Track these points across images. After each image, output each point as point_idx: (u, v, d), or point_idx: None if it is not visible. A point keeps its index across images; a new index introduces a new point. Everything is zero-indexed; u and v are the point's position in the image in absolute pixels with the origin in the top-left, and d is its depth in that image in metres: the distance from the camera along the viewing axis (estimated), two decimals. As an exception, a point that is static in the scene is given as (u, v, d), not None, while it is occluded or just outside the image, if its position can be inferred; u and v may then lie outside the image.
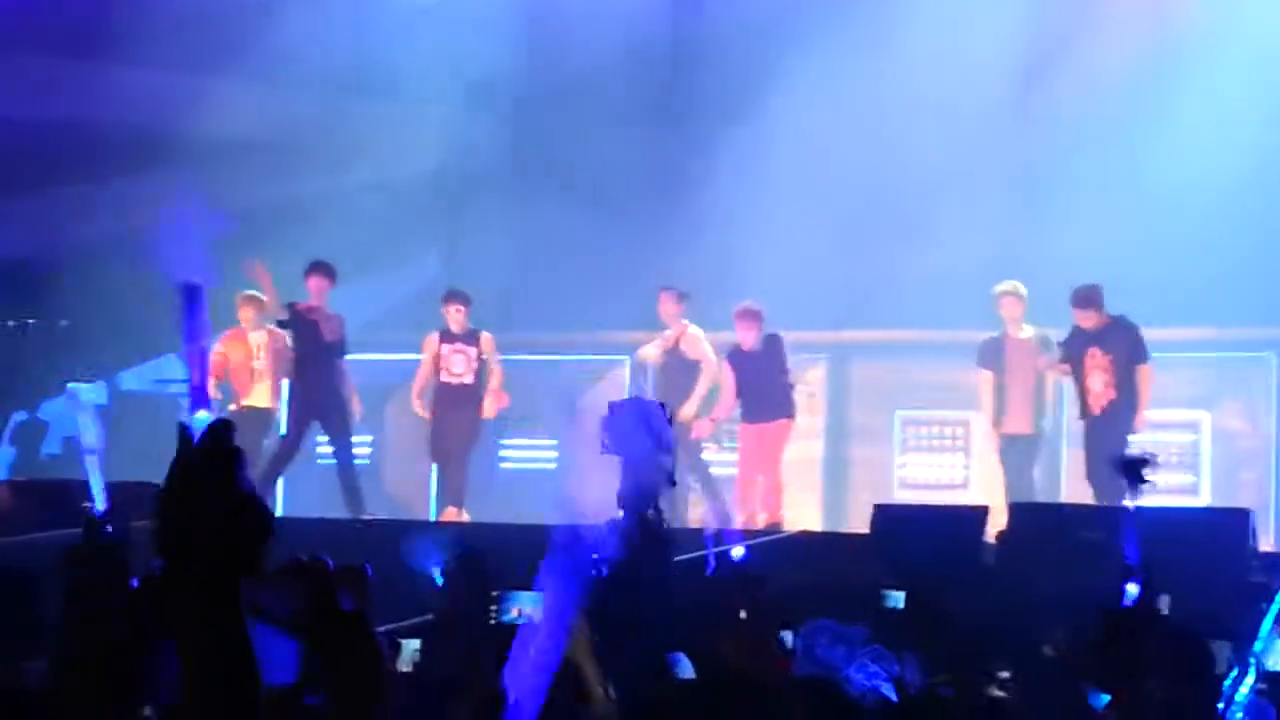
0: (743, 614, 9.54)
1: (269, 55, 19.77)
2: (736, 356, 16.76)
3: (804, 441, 17.95)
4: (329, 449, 17.00)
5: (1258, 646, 7.89)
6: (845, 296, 18.34)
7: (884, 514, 13.23)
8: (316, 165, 20.32)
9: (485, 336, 17.20)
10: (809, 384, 17.44)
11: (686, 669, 7.69)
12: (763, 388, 16.64)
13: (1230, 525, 12.77)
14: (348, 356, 16.82)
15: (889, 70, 18.96)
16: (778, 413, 16.66)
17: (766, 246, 18.46)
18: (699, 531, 12.84)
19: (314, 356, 16.50)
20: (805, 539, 13.71)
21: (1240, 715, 7.65)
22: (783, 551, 13.04)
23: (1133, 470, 9.11)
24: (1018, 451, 16.47)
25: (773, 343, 16.69)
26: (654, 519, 11.43)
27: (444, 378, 17.06)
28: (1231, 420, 17.91)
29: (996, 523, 13.37)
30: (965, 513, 13.37)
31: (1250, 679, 7.71)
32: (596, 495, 15.57)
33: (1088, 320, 15.69)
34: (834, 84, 18.95)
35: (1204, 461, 17.79)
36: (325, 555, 6.85)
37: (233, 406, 17.19)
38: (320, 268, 16.68)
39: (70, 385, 15.45)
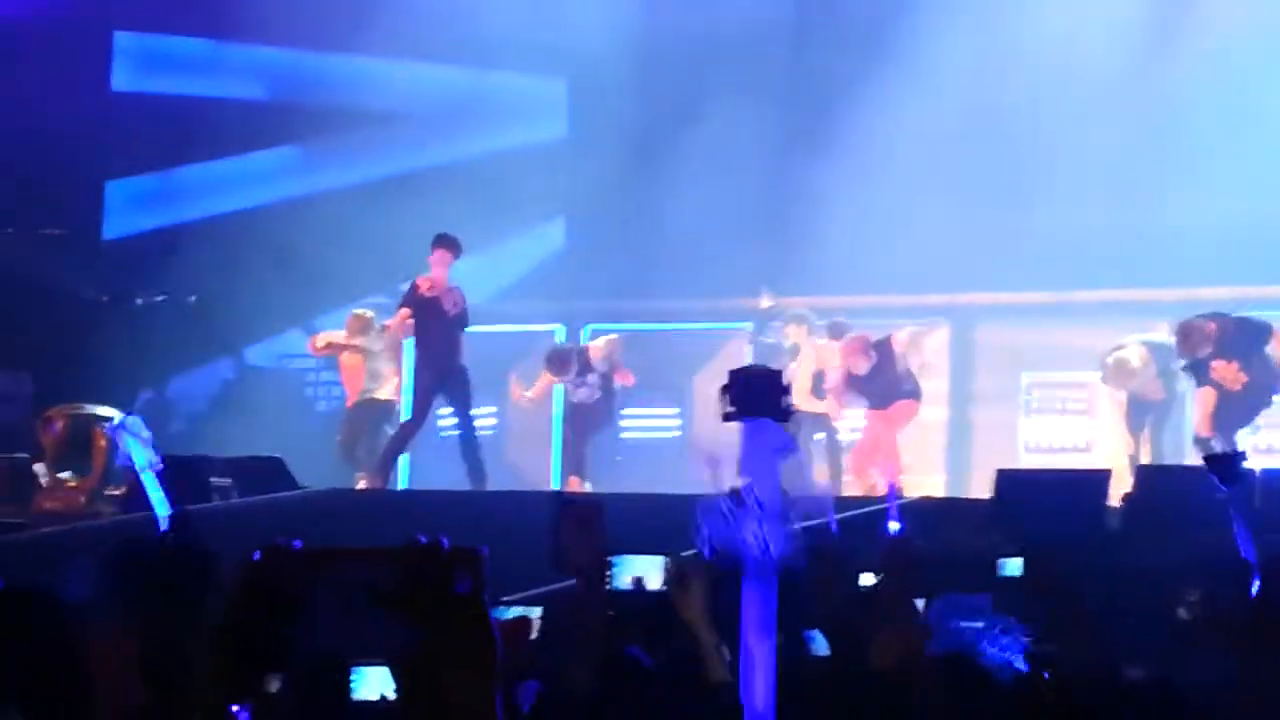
0: (871, 579, 9.49)
1: (393, 30, 19.89)
2: (854, 381, 17.23)
3: (927, 407, 17.87)
4: (451, 421, 17.09)
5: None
6: (967, 259, 18.20)
7: (1006, 479, 13.11)
8: (440, 137, 20.43)
9: (593, 349, 17.38)
10: (922, 353, 17.53)
11: (821, 646, 7.65)
12: (886, 393, 17.15)
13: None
14: (470, 329, 16.87)
15: (1014, 29, 18.80)
16: (901, 396, 17.14)
17: (888, 211, 18.38)
18: (817, 500, 12.81)
19: (435, 331, 16.53)
20: (926, 505, 13.60)
21: None
22: (904, 518, 12.96)
23: (1223, 468, 8.97)
24: (1146, 414, 16.46)
25: (883, 349, 17.08)
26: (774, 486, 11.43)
27: (576, 402, 17.43)
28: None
29: (1121, 486, 13.23)
30: (1089, 476, 13.23)
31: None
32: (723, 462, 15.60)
33: (1204, 348, 15.73)
34: (958, 44, 18.81)
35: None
36: (442, 536, 6.87)
37: (348, 402, 17.68)
38: (444, 241, 16.66)
39: (122, 417, 15.65)
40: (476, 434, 16.90)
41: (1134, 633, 9.75)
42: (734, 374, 12.69)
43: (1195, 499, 12.45)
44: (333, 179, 20.33)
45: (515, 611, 8.12)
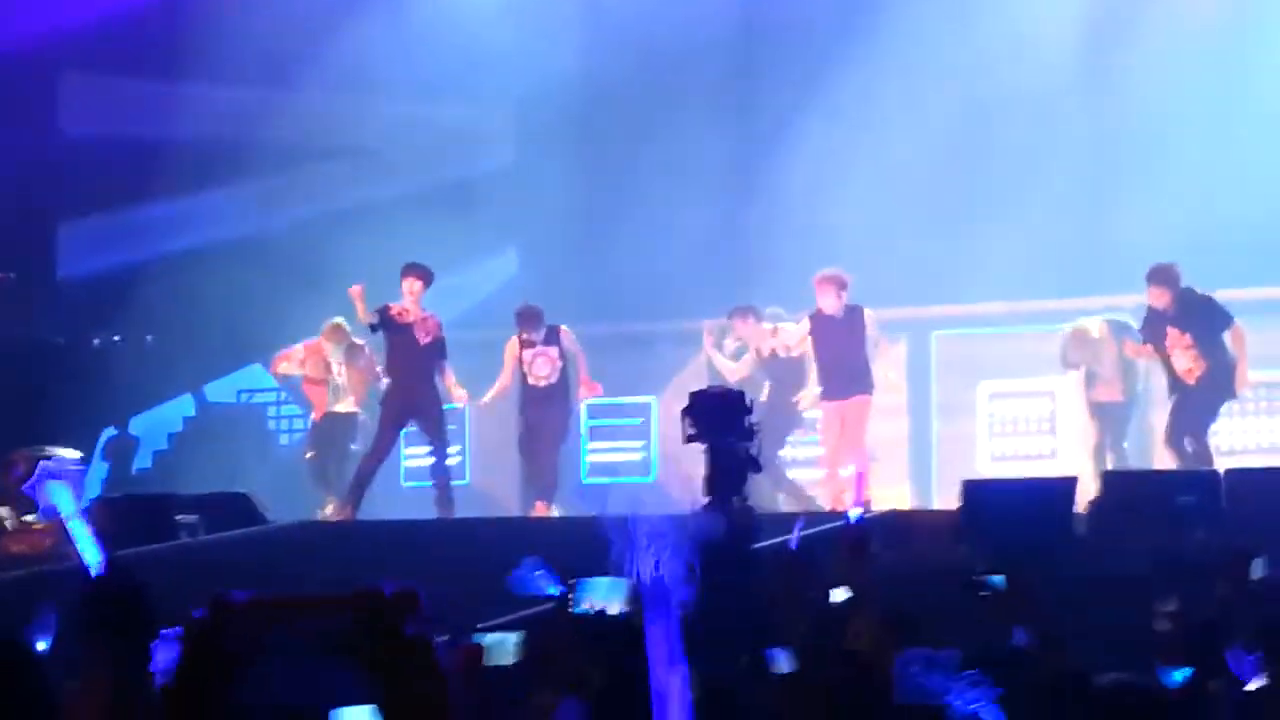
0: (843, 594, 9.51)
1: (340, 64, 19.92)
2: (818, 321, 16.62)
3: (889, 420, 17.92)
4: (423, 451, 17.09)
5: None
6: (923, 271, 18.26)
7: (973, 489, 13.17)
8: (391, 169, 20.43)
9: (564, 330, 17.18)
10: (887, 365, 17.18)
11: (785, 663, 7.67)
12: (842, 358, 16.48)
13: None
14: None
15: (967, 42, 18.90)
16: (855, 387, 16.47)
17: (844, 226, 18.44)
18: (790, 516, 12.85)
19: (407, 359, 16.55)
20: (894, 518, 13.66)
21: None
22: (872, 531, 13.01)
23: None
24: (1109, 418, 16.49)
25: (854, 314, 16.56)
26: (740, 506, 11.45)
27: (530, 381, 17.04)
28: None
29: (1086, 492, 13.30)
30: (1055, 484, 13.29)
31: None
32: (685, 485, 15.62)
33: (1161, 299, 15.55)
34: (912, 57, 18.90)
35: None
36: (384, 579, 6.81)
37: (314, 417, 17.45)
38: (414, 269, 16.71)
39: (51, 453, 15.60)
40: (447, 462, 16.90)
41: (1104, 638, 9.80)
42: (694, 395, 12.76)
43: (1160, 504, 12.56)
44: (286, 215, 20.32)
45: (491, 638, 8.14)
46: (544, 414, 16.99)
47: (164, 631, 6.46)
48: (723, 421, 12.14)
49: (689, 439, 12.37)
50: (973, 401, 18.72)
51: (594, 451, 19.69)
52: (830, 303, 16.50)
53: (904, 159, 18.63)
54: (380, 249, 18.37)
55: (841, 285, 16.50)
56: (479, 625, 8.73)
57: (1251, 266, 16.52)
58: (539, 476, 17.11)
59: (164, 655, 6.39)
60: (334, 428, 17.92)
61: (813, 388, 16.88)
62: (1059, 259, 17.91)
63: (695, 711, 6.84)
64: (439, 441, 16.66)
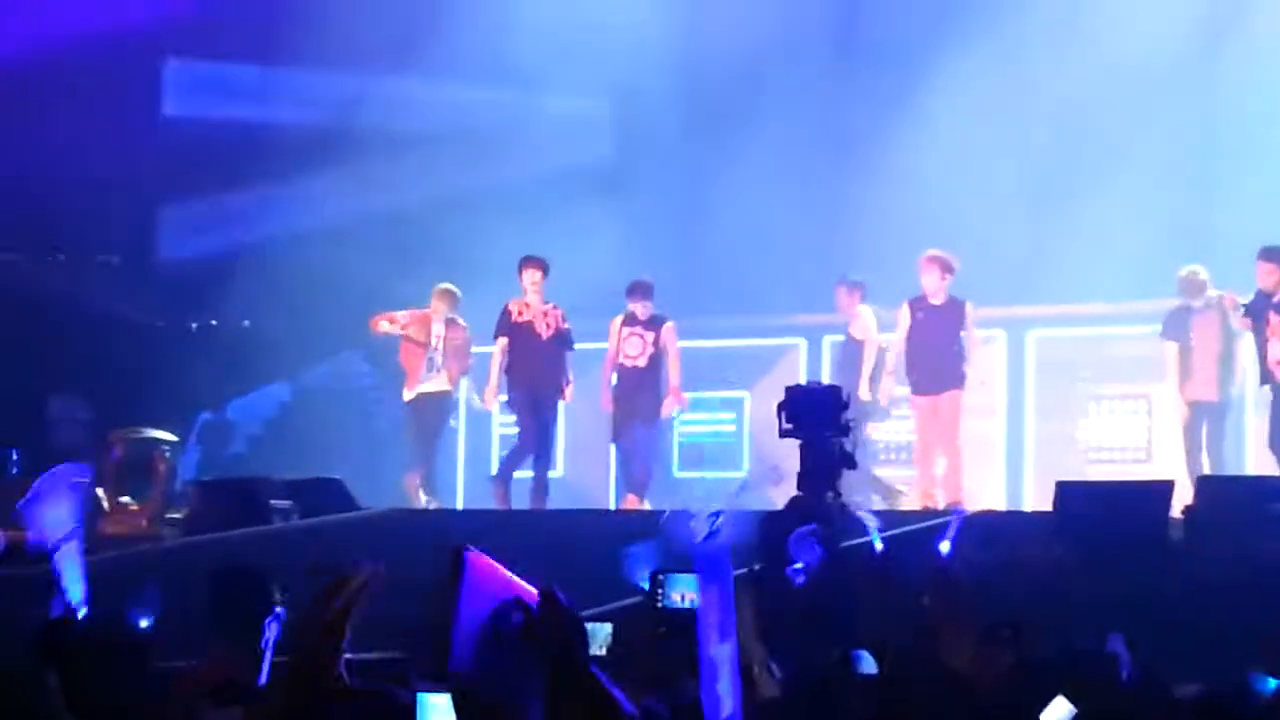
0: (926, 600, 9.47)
1: (442, 52, 19.95)
2: (917, 304, 16.14)
3: (983, 419, 17.82)
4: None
5: None
6: (1022, 270, 18.14)
7: (1067, 491, 13.07)
8: (490, 158, 20.47)
9: (668, 325, 17.12)
10: (979, 368, 16.74)
11: (869, 665, 7.63)
12: (936, 347, 16.00)
13: None
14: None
15: (1067, 37, 18.79)
16: (948, 383, 15.98)
17: (942, 223, 18.34)
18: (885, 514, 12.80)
19: (529, 354, 16.66)
20: (987, 518, 13.57)
21: None
22: (964, 532, 12.93)
23: None
24: (1203, 419, 16.13)
25: (955, 304, 16.14)
26: (833, 502, 11.45)
27: (621, 359, 17.04)
28: None
29: (1182, 497, 13.16)
30: (1150, 488, 13.15)
31: None
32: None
33: (1270, 278, 15.21)
34: (1011, 54, 18.79)
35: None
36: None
37: (407, 393, 17.30)
38: (533, 260, 16.81)
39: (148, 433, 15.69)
40: (551, 455, 16.95)
41: (1196, 645, 9.71)
42: (791, 390, 12.72)
43: (1256, 510, 12.42)
44: (386, 201, 20.40)
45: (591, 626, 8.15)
46: (633, 399, 16.93)
47: (277, 611, 6.55)
48: (818, 416, 12.14)
49: (784, 433, 12.37)
50: (1069, 402, 18.57)
51: (684, 446, 19.66)
52: (934, 283, 16.02)
53: (1003, 153, 18.52)
54: (479, 236, 18.44)
55: (947, 268, 16.02)
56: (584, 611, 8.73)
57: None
58: (630, 468, 17.09)
59: (270, 634, 6.50)
60: (426, 406, 17.52)
61: (863, 381, 16.60)
62: (1159, 258, 17.75)
63: (780, 702, 6.85)
64: (548, 434, 16.74)
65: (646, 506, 16.55)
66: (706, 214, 19.87)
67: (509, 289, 17.04)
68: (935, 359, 16.00)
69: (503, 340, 16.75)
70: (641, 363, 16.93)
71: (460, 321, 17.55)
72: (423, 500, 16.86)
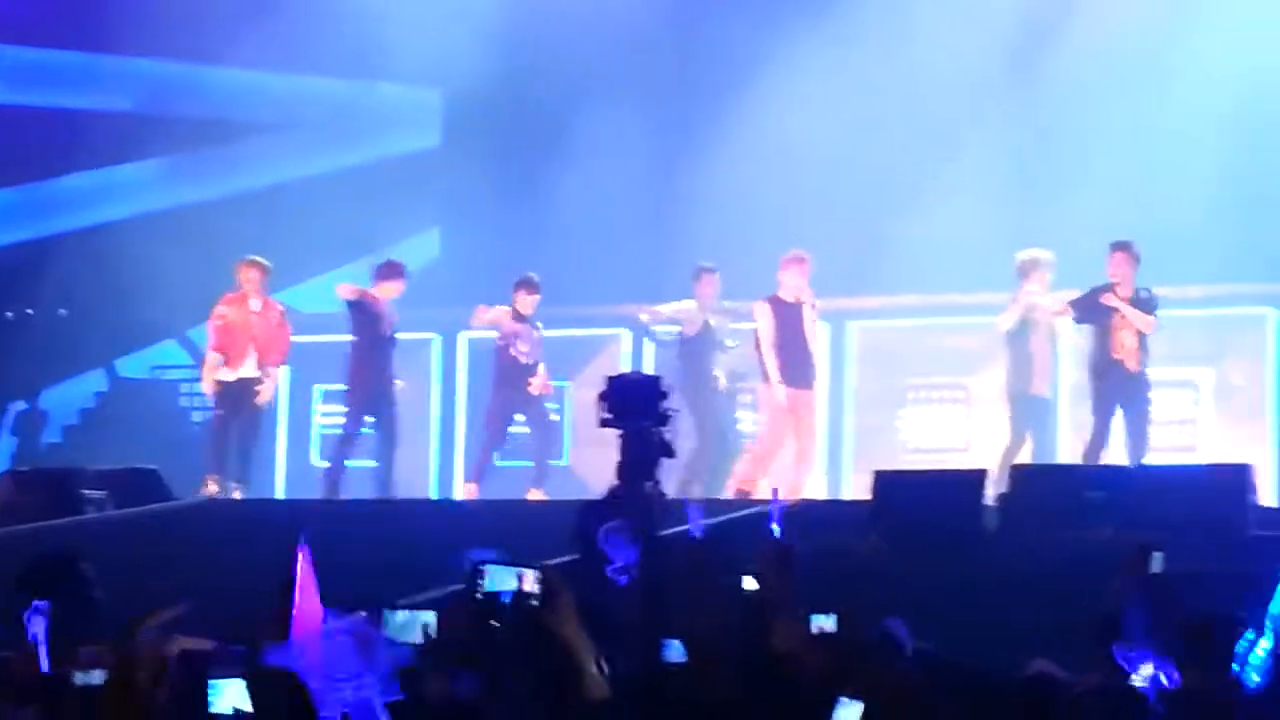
0: (752, 583, 9.52)
1: (265, 41, 19.75)
2: (779, 306, 16.28)
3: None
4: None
5: (1274, 609, 7.75)
6: (843, 262, 18.26)
7: (884, 480, 13.21)
8: (313, 148, 20.34)
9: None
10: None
11: (678, 652, 7.66)
12: (801, 346, 16.29)
13: (1230, 481, 12.75)
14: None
15: (900, 30, 18.94)
16: (811, 379, 16.41)
17: (766, 216, 18.47)
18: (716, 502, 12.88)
19: (371, 347, 16.62)
20: (806, 508, 13.68)
21: (1256, 678, 7.57)
22: (785, 522, 13.03)
23: None
24: (1038, 414, 16.40)
25: (807, 301, 16.43)
26: (652, 491, 11.48)
27: (514, 353, 17.06)
28: (1231, 377, 17.92)
29: (997, 485, 13.34)
30: (965, 477, 13.31)
31: (1267, 642, 7.61)
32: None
33: (1120, 269, 15.43)
34: (843, 47, 18.93)
35: (1204, 419, 17.81)
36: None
37: (229, 376, 16.72)
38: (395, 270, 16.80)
39: None
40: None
41: (1007, 631, 9.85)
42: (611, 380, 12.73)
43: (1069, 499, 12.62)
44: (205, 191, 20.20)
45: (404, 616, 8.10)
46: (521, 388, 17.02)
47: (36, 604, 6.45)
48: (638, 406, 12.16)
49: (604, 423, 12.38)
50: (889, 394, 18.74)
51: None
52: (798, 288, 16.23)
53: (830, 145, 18.66)
54: (299, 227, 18.29)
55: (808, 269, 16.29)
56: (396, 604, 8.71)
57: (1175, 265, 16.59)
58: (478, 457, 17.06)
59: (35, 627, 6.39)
60: (241, 394, 16.83)
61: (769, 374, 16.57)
62: (981, 253, 17.98)
63: (610, 702, 6.85)
64: (389, 431, 16.67)
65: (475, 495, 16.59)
66: (534, 203, 19.84)
67: (335, 277, 16.94)
68: (802, 353, 16.24)
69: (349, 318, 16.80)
70: (526, 365, 17.00)
71: (276, 303, 17.12)
72: (215, 491, 16.38)
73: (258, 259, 16.81)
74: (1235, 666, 7.51)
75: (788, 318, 16.23)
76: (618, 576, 10.21)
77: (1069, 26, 18.82)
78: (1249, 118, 17.86)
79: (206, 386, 16.94)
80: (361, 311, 16.55)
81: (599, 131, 19.48)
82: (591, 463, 17.50)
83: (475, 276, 17.96)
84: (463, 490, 17.34)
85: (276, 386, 17.55)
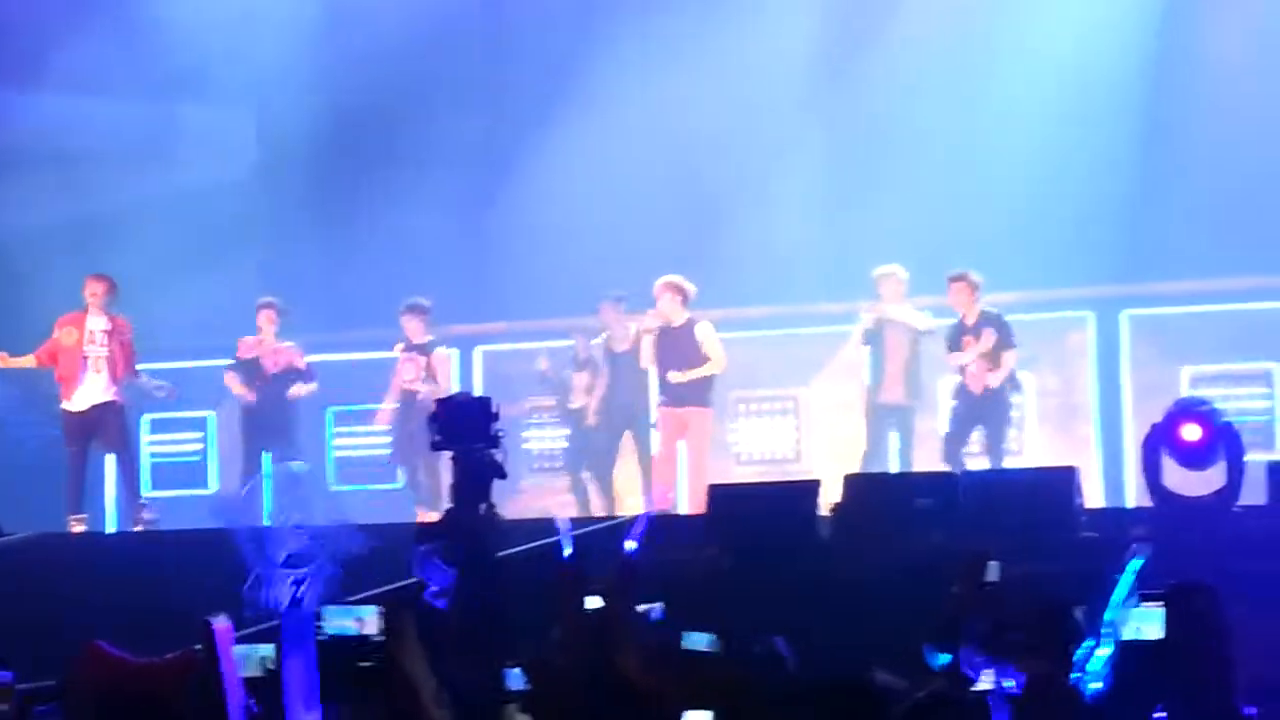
0: (598, 602, 9.53)
1: (73, 65, 19.49)
2: (666, 334, 16.76)
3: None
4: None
5: (1111, 615, 7.91)
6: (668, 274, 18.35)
7: (718, 493, 13.29)
8: (126, 174, 20.07)
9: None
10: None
11: (517, 681, 7.66)
12: (680, 370, 16.68)
13: (1057, 483, 12.93)
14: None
15: (709, 52, 19.06)
16: (698, 399, 16.73)
17: (587, 231, 18.51)
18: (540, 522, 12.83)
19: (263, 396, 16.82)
20: (644, 521, 13.70)
21: (1097, 685, 7.70)
22: (619, 535, 13.06)
23: None
24: (895, 421, 16.85)
25: (691, 325, 16.76)
26: (486, 514, 11.43)
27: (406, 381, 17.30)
28: (1052, 379, 18.23)
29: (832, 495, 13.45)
30: (797, 487, 13.42)
31: (1106, 649, 7.74)
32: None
33: (958, 298, 16.41)
34: (647, 67, 19.03)
35: (1028, 422, 18.08)
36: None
37: (65, 404, 16.22)
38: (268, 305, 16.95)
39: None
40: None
41: (843, 639, 9.95)
42: (441, 402, 12.70)
43: (899, 506, 12.76)
44: (12, 219, 19.87)
45: (242, 650, 8.04)
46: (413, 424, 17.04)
47: None
48: (469, 428, 12.12)
49: (435, 445, 12.33)
50: (719, 407, 18.83)
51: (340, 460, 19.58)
52: (677, 313, 16.68)
53: (648, 160, 18.74)
54: (107, 260, 17.97)
55: (685, 295, 16.72)
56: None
57: (995, 270, 16.89)
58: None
59: None
60: (73, 427, 16.32)
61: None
62: (802, 264, 18.15)
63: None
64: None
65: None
66: (351, 226, 19.74)
67: (161, 304, 16.73)
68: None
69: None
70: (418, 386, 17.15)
71: (122, 318, 16.47)
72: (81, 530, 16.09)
73: (102, 276, 16.40)
74: (1075, 673, 7.64)
75: (666, 340, 16.72)
76: (435, 600, 10.20)
77: (886, 34, 19.01)
78: (1067, 121, 18.15)
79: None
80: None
81: (418, 150, 19.42)
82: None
83: (293, 305, 17.84)
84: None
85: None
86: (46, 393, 17.10)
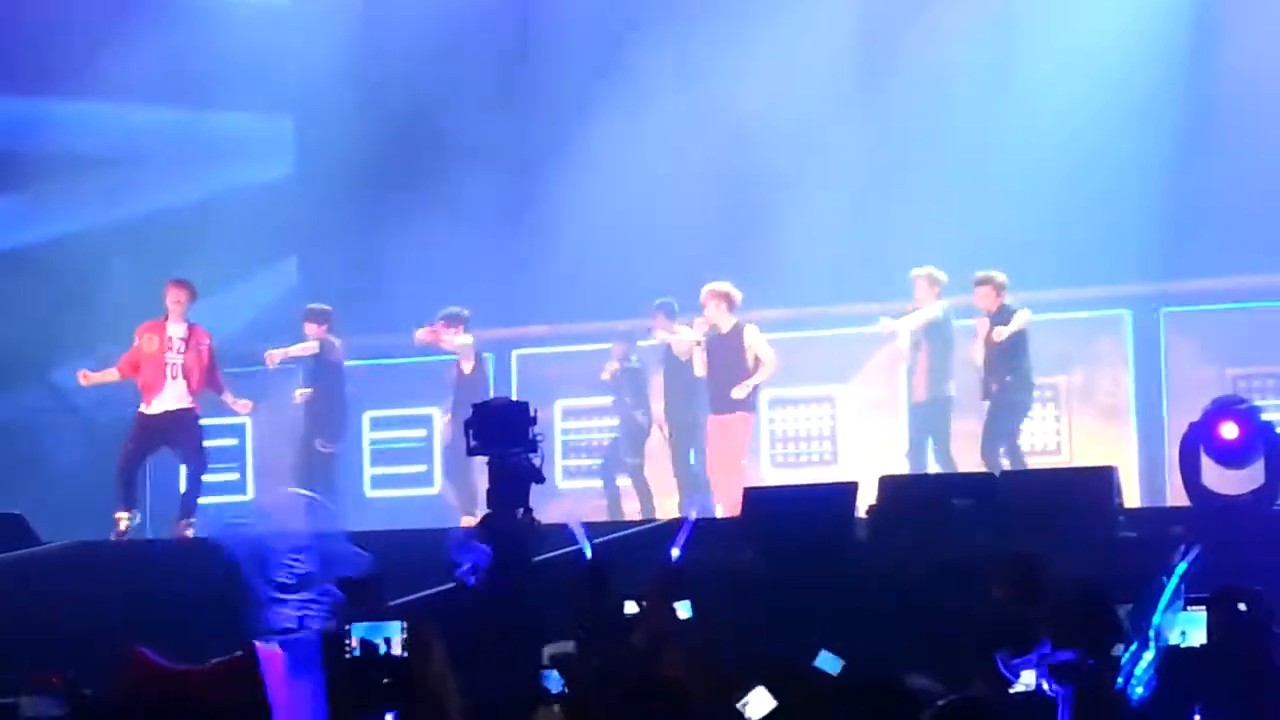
0: (633, 607, 9.53)
1: (110, 72, 19.57)
2: (714, 342, 16.88)
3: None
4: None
5: (1156, 619, 7.85)
6: (704, 277, 18.35)
7: (754, 496, 13.27)
8: (166, 179, 20.15)
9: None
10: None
11: (555, 683, 7.66)
12: (729, 377, 16.74)
13: (1095, 483, 12.89)
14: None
15: (736, 58, 19.05)
16: (745, 404, 16.79)
17: (621, 236, 18.50)
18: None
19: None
20: (678, 525, 13.69)
21: (1140, 690, 7.64)
22: (657, 540, 13.06)
23: None
24: (928, 419, 16.88)
25: (739, 330, 16.82)
26: (524, 519, 11.44)
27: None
28: (1091, 378, 18.18)
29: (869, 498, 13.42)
30: (834, 489, 13.39)
31: (1150, 654, 7.69)
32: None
33: (985, 300, 16.32)
34: (681, 72, 19.02)
35: (1065, 422, 18.03)
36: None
37: (143, 408, 16.07)
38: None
39: None
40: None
41: (880, 641, 9.92)
42: (477, 407, 12.71)
43: (937, 507, 12.72)
44: (58, 227, 19.95)
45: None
46: None
47: None
48: (506, 433, 12.11)
49: (472, 451, 12.34)
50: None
51: (377, 465, 19.61)
52: (725, 320, 16.77)
53: (684, 161, 18.75)
54: (153, 262, 18.06)
55: (732, 302, 16.80)
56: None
57: (1030, 271, 16.88)
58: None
59: None
60: (168, 425, 16.05)
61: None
62: (838, 265, 18.14)
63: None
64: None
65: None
66: (390, 230, 19.79)
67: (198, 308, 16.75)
68: (728, 384, 16.66)
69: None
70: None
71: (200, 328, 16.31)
72: (125, 527, 15.75)
73: (183, 281, 16.25)
74: (1120, 678, 7.59)
75: (714, 346, 16.88)
76: (465, 577, 10.20)
77: (910, 39, 18.97)
78: (1104, 118, 18.07)
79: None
80: None
81: (453, 157, 19.46)
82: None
83: (333, 305, 17.88)
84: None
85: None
86: (78, 404, 17.14)
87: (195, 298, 16.23)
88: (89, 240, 19.78)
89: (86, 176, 20.02)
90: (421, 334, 17.67)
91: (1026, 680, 8.07)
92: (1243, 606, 7.88)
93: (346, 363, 17.84)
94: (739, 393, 16.66)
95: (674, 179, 18.72)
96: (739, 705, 6.93)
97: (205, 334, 16.21)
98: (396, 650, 7.44)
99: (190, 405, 16.06)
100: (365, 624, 7.66)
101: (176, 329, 16.09)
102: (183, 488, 16.41)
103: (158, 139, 20.20)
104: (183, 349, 16.03)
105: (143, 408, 16.03)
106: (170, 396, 15.97)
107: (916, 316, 16.76)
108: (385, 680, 7.18)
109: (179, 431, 16.02)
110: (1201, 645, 7.83)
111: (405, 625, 7.11)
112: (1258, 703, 7.59)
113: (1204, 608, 7.95)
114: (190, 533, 15.68)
